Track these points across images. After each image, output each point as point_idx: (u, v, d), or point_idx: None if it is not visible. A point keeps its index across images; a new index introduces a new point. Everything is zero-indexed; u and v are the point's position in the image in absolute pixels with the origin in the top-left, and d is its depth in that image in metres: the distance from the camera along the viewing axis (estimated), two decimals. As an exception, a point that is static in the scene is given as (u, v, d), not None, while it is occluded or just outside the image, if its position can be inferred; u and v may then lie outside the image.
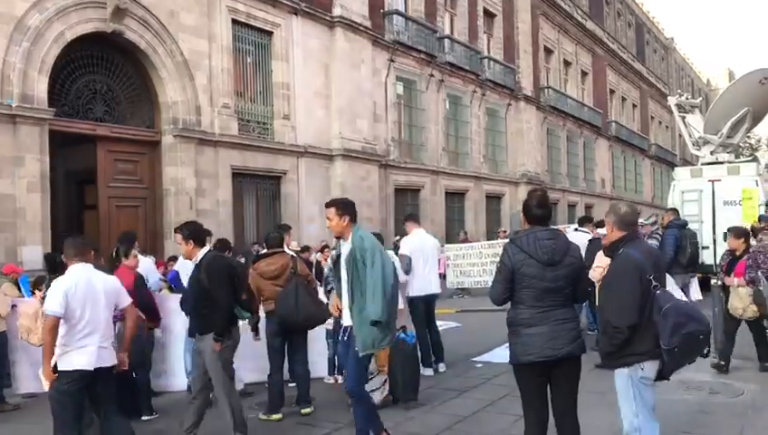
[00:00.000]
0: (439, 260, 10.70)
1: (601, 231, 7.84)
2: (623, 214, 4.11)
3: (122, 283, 6.18)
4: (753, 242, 7.77)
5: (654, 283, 3.83)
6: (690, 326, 3.73)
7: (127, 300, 4.99)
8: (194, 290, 5.50)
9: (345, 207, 5.07)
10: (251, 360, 7.68)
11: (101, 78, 13.53)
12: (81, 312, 4.56)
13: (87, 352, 4.56)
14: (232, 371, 5.55)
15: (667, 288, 3.99)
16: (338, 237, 5.23)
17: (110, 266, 6.70)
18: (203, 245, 5.53)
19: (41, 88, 11.97)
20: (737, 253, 7.50)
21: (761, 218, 11.11)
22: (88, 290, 4.63)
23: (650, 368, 3.90)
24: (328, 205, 5.16)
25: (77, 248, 4.85)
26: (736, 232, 7.68)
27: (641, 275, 3.83)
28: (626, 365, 3.93)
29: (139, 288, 6.57)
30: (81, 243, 4.96)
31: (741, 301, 7.16)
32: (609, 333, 3.89)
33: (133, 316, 5.05)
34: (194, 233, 5.53)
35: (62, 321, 4.51)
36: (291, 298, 6.41)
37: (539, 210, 4.12)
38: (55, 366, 4.53)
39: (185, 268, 7.93)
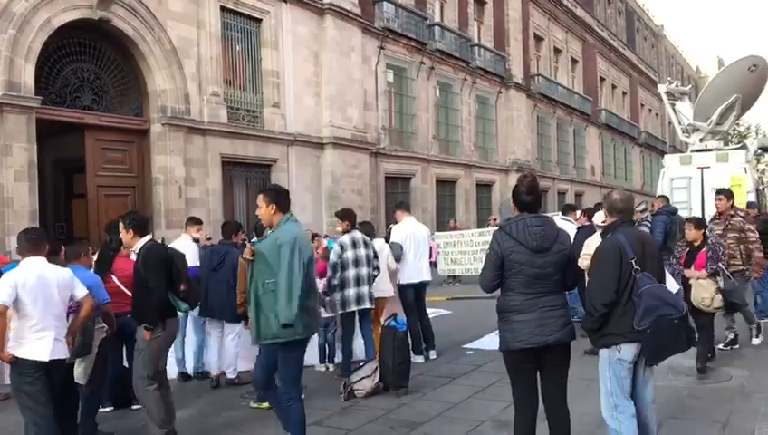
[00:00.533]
0: (430, 248, 10.72)
1: (597, 218, 7.85)
2: (613, 201, 4.24)
3: (125, 271, 6.22)
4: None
5: (635, 266, 3.92)
6: (663, 310, 3.84)
7: (83, 291, 4.94)
8: (134, 279, 5.50)
9: (272, 196, 4.91)
10: (243, 348, 7.71)
11: (89, 66, 13.40)
12: (33, 305, 4.54)
13: (42, 344, 4.57)
14: (162, 363, 5.44)
15: (667, 279, 4.16)
16: (268, 226, 4.99)
17: (103, 255, 6.67)
18: (144, 234, 5.48)
19: (27, 76, 11.84)
20: (696, 244, 7.09)
21: (749, 205, 11.19)
22: (40, 284, 4.59)
23: (627, 351, 3.98)
24: (259, 192, 5.05)
25: (30, 242, 4.80)
26: (696, 223, 7.26)
27: (622, 257, 3.95)
28: (605, 346, 4.07)
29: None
30: (35, 237, 4.89)
31: (706, 290, 6.72)
32: (589, 310, 4.10)
33: (89, 305, 5.01)
34: (135, 222, 5.50)
35: (15, 314, 4.52)
36: None
37: (528, 196, 4.13)
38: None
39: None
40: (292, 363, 4.76)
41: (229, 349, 7.55)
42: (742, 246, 7.67)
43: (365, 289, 7.28)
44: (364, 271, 7.27)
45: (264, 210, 4.88)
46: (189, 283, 5.71)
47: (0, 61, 11.42)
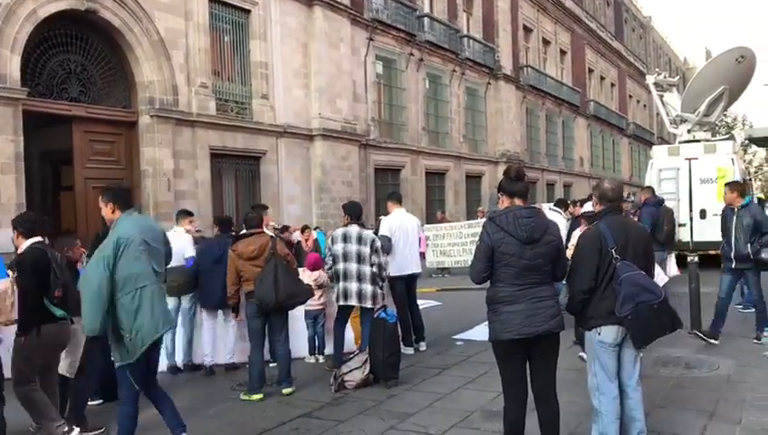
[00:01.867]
0: (420, 239, 10.73)
1: (588, 208, 7.90)
2: (604, 190, 4.34)
3: None
4: None
5: (614, 255, 4.04)
6: (642, 296, 3.96)
7: None
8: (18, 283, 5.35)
9: (110, 195, 4.79)
10: (232, 341, 7.77)
11: (76, 57, 13.28)
12: None
13: None
14: (30, 369, 5.21)
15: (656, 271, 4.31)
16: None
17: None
18: (30, 235, 5.30)
19: (13, 67, 11.73)
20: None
21: None
22: None
23: (607, 333, 4.10)
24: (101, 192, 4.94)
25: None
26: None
27: (601, 245, 4.08)
28: (587, 329, 4.22)
29: None
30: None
31: None
32: (570, 295, 4.25)
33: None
34: (23, 224, 5.36)
35: None
36: (269, 279, 6.39)
37: (517, 184, 4.15)
38: None
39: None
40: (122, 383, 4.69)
41: (230, 334, 7.74)
42: None
43: (352, 285, 7.13)
44: (352, 267, 7.12)
45: (104, 210, 4.77)
46: (66, 288, 5.34)
47: (-15, 52, 11.31)
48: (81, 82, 13.39)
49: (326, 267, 7.36)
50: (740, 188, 8.20)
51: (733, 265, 7.86)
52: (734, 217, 7.82)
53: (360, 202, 8.17)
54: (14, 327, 5.35)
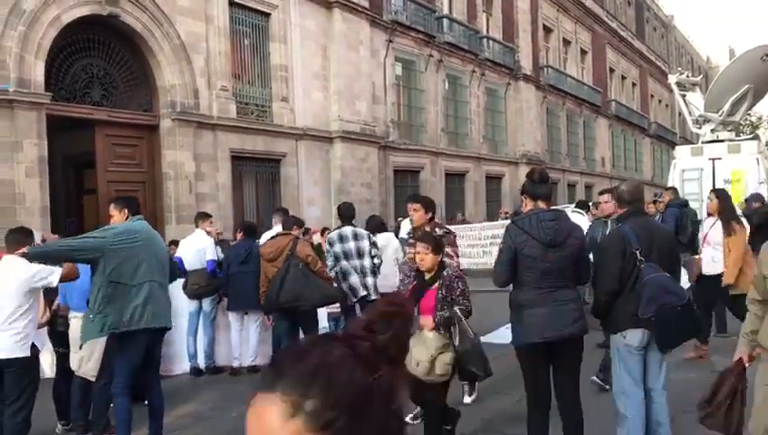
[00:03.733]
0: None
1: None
2: (621, 192, 4.35)
3: None
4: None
5: (639, 256, 3.97)
6: (666, 298, 3.90)
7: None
8: None
9: (122, 202, 5.23)
10: (255, 343, 7.84)
11: (98, 62, 13.43)
12: None
13: None
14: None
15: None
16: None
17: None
18: None
19: (37, 72, 11.88)
20: (427, 276, 4.59)
21: (754, 197, 10.96)
22: None
23: (633, 336, 4.05)
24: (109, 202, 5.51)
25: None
26: (426, 239, 4.67)
27: (625, 247, 4.02)
28: (613, 332, 4.18)
29: None
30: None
31: (426, 350, 4.32)
32: (595, 298, 4.25)
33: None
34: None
35: None
36: (276, 280, 6.49)
37: (540, 187, 4.12)
38: None
39: (188, 254, 8.01)
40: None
41: (253, 336, 7.87)
42: None
43: (355, 279, 7.28)
44: (355, 263, 7.31)
45: (118, 217, 5.15)
46: None
47: (10, 58, 11.46)
48: (103, 87, 13.53)
49: (328, 269, 7.49)
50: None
51: None
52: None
53: (351, 203, 8.29)
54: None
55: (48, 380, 6.11)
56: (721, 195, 7.43)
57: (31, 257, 4.71)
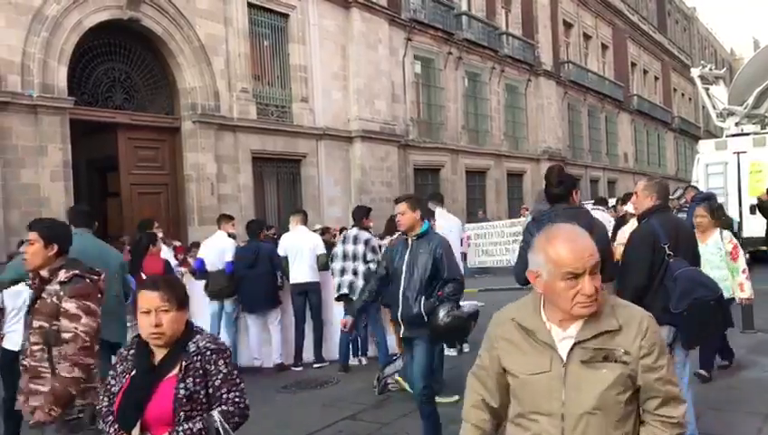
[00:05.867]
0: (462, 239, 10.67)
1: (629, 207, 7.73)
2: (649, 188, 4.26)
3: (154, 269, 6.35)
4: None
5: (668, 251, 3.94)
6: (698, 292, 3.85)
7: None
8: None
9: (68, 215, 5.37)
10: (278, 342, 7.94)
11: (120, 66, 13.58)
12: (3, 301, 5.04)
13: (13, 337, 4.87)
14: None
15: None
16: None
17: (135, 254, 6.79)
18: None
19: (60, 77, 12.05)
20: (159, 356, 2.78)
21: None
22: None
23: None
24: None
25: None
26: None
27: (654, 242, 3.98)
28: None
29: (167, 273, 6.77)
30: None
31: None
32: (620, 294, 3.99)
33: None
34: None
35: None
36: None
37: (557, 188, 4.10)
38: None
39: (210, 255, 8.07)
40: None
41: (274, 335, 8.00)
42: None
43: (346, 278, 7.56)
44: (347, 263, 7.60)
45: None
46: None
47: (34, 63, 11.63)
48: (125, 90, 13.68)
49: (330, 264, 7.89)
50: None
51: None
52: None
53: (364, 206, 8.58)
54: None
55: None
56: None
57: None
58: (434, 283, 4.66)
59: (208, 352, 2.57)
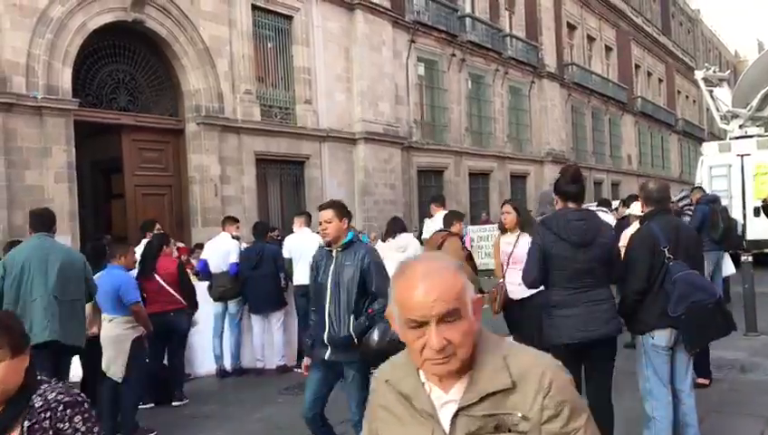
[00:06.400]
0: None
1: (634, 209, 7.72)
2: (649, 191, 4.29)
3: (168, 270, 6.46)
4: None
5: (667, 254, 3.94)
6: (696, 296, 3.85)
7: None
8: None
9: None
10: (281, 343, 7.93)
11: (124, 67, 13.61)
12: None
13: None
14: None
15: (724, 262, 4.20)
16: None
17: (147, 256, 6.82)
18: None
19: (65, 79, 12.07)
20: None
21: None
22: None
23: (660, 336, 4.00)
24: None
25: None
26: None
27: (654, 245, 3.99)
28: (640, 332, 4.11)
29: (182, 274, 6.82)
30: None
31: None
32: (622, 297, 4.16)
33: None
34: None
35: None
36: None
37: (573, 186, 4.09)
38: None
39: (213, 256, 8.10)
40: None
41: (276, 337, 8.01)
42: None
43: None
44: None
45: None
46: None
47: (39, 65, 11.66)
48: (129, 92, 13.70)
49: None
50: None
51: None
52: None
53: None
54: None
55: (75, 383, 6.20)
56: (519, 207, 6.09)
57: None
58: (363, 300, 4.16)
59: (60, 407, 1.99)
